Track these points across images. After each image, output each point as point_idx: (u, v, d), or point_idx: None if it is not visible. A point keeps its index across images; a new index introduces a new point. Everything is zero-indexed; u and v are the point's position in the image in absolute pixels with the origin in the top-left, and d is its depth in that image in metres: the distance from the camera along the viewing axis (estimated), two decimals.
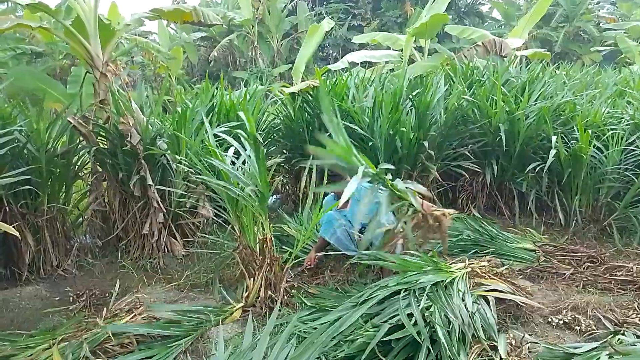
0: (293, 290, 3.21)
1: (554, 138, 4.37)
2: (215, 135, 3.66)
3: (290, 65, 13.87)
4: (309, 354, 2.27)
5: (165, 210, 4.09)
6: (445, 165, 4.99)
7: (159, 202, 4.03)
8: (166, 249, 4.14)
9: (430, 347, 2.29)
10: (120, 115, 4.07)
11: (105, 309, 3.03)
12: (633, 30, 16.06)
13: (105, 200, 4.33)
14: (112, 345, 2.61)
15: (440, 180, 4.85)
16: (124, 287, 3.56)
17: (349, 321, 2.55)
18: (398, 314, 2.46)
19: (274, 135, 5.66)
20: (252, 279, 3.08)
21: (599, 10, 21.38)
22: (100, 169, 4.29)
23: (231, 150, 3.11)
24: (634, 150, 4.27)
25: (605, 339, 2.47)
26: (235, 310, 2.98)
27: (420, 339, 2.28)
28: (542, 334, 2.71)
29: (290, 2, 20.25)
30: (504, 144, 4.63)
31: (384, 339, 2.33)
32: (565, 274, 3.44)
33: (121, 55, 13.41)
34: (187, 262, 4.06)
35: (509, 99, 4.83)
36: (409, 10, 19.28)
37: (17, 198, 3.71)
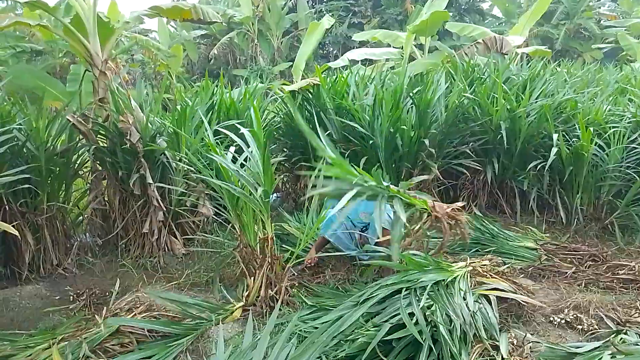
0: (293, 290, 3.20)
1: (555, 136, 4.36)
2: (216, 133, 3.65)
3: (291, 63, 13.84)
4: (310, 354, 2.27)
5: (165, 209, 4.08)
6: (446, 164, 4.97)
7: (159, 200, 4.02)
8: (166, 248, 4.13)
9: (432, 347, 2.28)
10: (120, 113, 4.06)
11: (105, 308, 3.02)
12: (634, 27, 16.01)
13: (105, 199, 4.32)
14: (112, 345, 2.60)
15: (441, 178, 4.83)
16: (124, 286, 3.55)
17: (349, 320, 2.53)
18: (399, 313, 2.45)
19: (274, 133, 5.64)
20: (252, 278, 3.07)
21: (599, 8, 21.34)
22: (99, 168, 4.28)
23: (232, 149, 3.10)
24: (635, 148, 4.26)
25: (608, 339, 2.46)
26: (236, 309, 2.97)
27: (422, 338, 2.27)
28: (544, 334, 2.69)
29: (291, 0, 20.21)
30: (505, 142, 4.62)
31: (385, 338, 2.32)
32: (567, 272, 3.43)
33: (121, 53, 13.38)
34: (187, 261, 4.04)
35: (510, 97, 4.81)
36: (410, 8, 19.23)
37: (17, 197, 3.70)
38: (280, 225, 4.22)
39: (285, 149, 5.58)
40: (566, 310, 2.88)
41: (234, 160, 3.09)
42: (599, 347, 2.39)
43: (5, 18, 3.91)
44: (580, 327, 2.71)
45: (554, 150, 4.27)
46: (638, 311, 2.82)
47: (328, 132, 4.86)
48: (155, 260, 3.99)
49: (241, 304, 3.02)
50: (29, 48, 11.26)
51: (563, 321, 2.78)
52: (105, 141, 4.21)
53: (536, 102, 4.79)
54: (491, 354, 2.40)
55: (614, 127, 4.33)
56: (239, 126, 3.38)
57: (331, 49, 22.11)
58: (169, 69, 13.86)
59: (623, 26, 16.61)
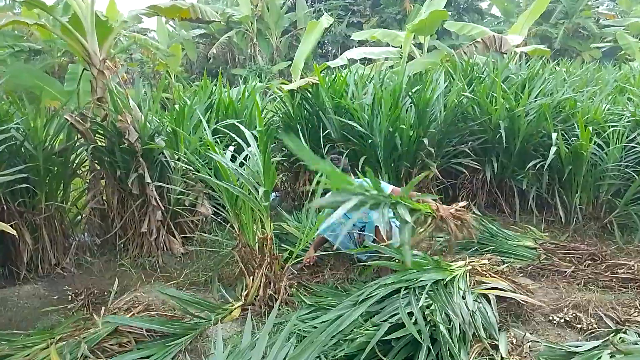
0: (292, 289, 3.19)
1: (554, 135, 4.36)
2: (215, 132, 3.64)
3: (290, 62, 13.82)
4: (309, 353, 2.26)
5: (163, 208, 4.08)
6: (445, 163, 4.97)
7: (158, 200, 4.01)
8: (165, 247, 4.12)
9: (431, 346, 2.27)
10: (118, 112, 4.05)
11: (103, 307, 3.02)
12: (633, 26, 16.01)
13: (104, 198, 4.31)
14: (111, 345, 2.60)
15: (440, 177, 4.83)
16: (123, 286, 3.55)
17: (348, 320, 2.53)
18: (398, 313, 2.44)
19: (274, 132, 5.62)
20: (251, 278, 3.06)
21: (598, 7, 21.33)
22: (98, 167, 4.27)
23: (231, 148, 3.09)
24: (634, 147, 4.25)
25: (607, 338, 2.45)
26: (235, 308, 2.97)
27: (421, 338, 2.26)
28: (543, 333, 2.69)
29: None
30: (504, 141, 4.61)
31: (384, 338, 2.32)
32: (566, 271, 3.43)
33: (120, 53, 13.38)
34: (186, 261, 4.04)
35: (509, 96, 4.80)
36: (408, 7, 19.22)
37: (15, 196, 3.69)
38: (279, 225, 4.21)
39: (284, 148, 5.57)
40: (565, 310, 2.87)
41: (233, 159, 3.09)
42: (598, 346, 2.38)
43: (3, 17, 3.90)
44: (579, 326, 2.71)
45: (553, 149, 4.27)
46: (637, 310, 2.82)
47: (327, 131, 4.85)
48: (153, 260, 3.98)
49: (240, 303, 3.02)
50: (27, 47, 11.24)
51: (562, 320, 2.77)
52: (103, 140, 4.20)
53: (535, 101, 4.78)
54: (490, 353, 2.39)
55: (613, 126, 4.32)
56: (239, 125, 3.38)
57: (330, 48, 22.09)
58: (168, 68, 13.85)
59: (622, 25, 16.61)
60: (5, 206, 3.62)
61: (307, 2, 21.28)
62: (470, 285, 2.80)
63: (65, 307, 3.30)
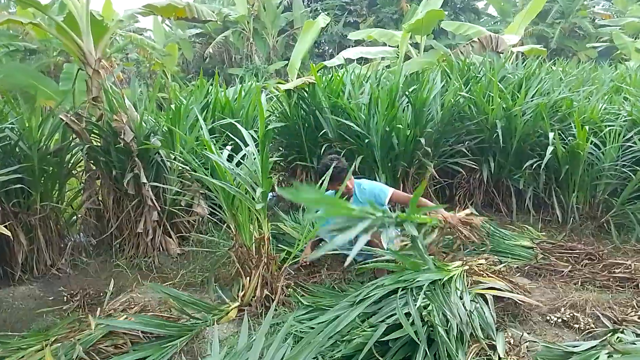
0: (289, 289, 3.18)
1: (551, 135, 4.36)
2: (211, 132, 3.63)
3: (286, 61, 13.82)
4: (306, 354, 2.25)
5: (159, 209, 4.06)
6: (442, 162, 4.96)
7: (154, 200, 3.99)
8: (161, 248, 4.10)
9: (428, 347, 2.26)
10: (114, 112, 4.02)
11: (99, 308, 3.00)
12: (629, 26, 16.07)
13: (99, 199, 4.29)
14: (106, 346, 2.58)
15: (437, 177, 4.82)
16: (119, 287, 3.53)
17: (345, 321, 2.52)
18: (395, 313, 2.44)
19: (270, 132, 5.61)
20: (248, 278, 3.05)
21: (594, 7, 21.41)
22: (93, 167, 4.24)
23: (229, 147, 3.08)
24: (631, 146, 4.26)
25: (604, 337, 2.45)
26: (231, 309, 2.95)
27: (418, 338, 2.25)
28: (540, 333, 2.69)
29: None
30: (501, 141, 4.61)
31: (382, 338, 2.31)
32: (563, 271, 3.43)
33: (116, 52, 13.34)
34: (182, 261, 4.02)
35: (505, 96, 4.80)
36: (405, 7, 19.22)
37: (9, 197, 3.66)
38: (276, 225, 4.19)
39: (281, 148, 5.56)
40: (563, 309, 2.87)
41: (230, 159, 3.07)
42: (595, 346, 2.38)
43: None
44: (576, 326, 2.71)
45: (550, 148, 4.26)
46: (634, 310, 2.81)
47: (324, 130, 4.84)
48: (149, 260, 3.96)
49: (236, 304, 3.00)
50: (22, 47, 11.20)
51: (560, 320, 2.77)
52: (99, 140, 4.18)
53: (532, 100, 4.78)
54: (488, 353, 2.39)
55: (609, 125, 4.33)
56: (237, 124, 3.36)
57: (327, 47, 22.06)
58: (164, 67, 13.80)
59: (617, 25, 16.66)
60: None
61: (303, 1, 21.24)
62: (467, 285, 2.80)
63: (61, 308, 3.28)
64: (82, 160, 4.25)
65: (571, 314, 2.79)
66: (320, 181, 3.04)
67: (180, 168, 4.14)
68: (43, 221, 3.88)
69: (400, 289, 2.62)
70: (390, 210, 3.63)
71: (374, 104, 4.52)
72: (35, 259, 3.81)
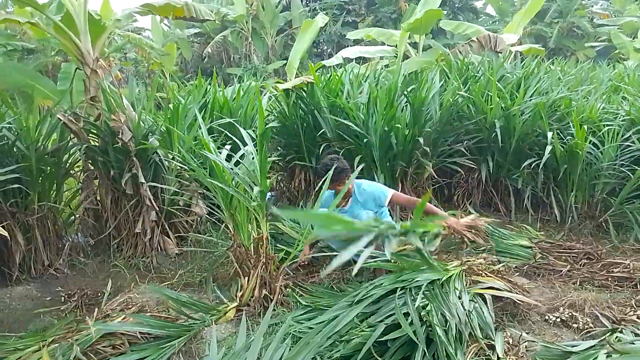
0: (288, 289, 3.17)
1: (549, 134, 4.35)
2: (209, 131, 3.62)
3: (285, 61, 13.79)
4: (304, 355, 2.24)
5: (158, 209, 4.04)
6: (440, 162, 4.96)
7: (152, 200, 3.98)
8: (159, 248, 4.10)
9: (426, 347, 2.26)
10: (112, 112, 4.01)
11: (97, 309, 2.99)
12: (627, 25, 16.07)
13: (97, 199, 4.28)
14: (104, 347, 2.57)
15: (436, 176, 4.83)
16: (116, 287, 3.52)
17: (344, 321, 2.51)
18: (394, 313, 2.43)
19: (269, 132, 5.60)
20: (246, 278, 3.04)
21: (592, 6, 21.42)
22: (91, 167, 4.23)
23: (228, 147, 3.07)
24: (629, 146, 4.26)
25: (603, 337, 2.44)
26: (229, 309, 2.94)
27: (417, 338, 2.25)
28: (539, 332, 2.68)
29: None
30: (500, 140, 4.61)
31: (380, 338, 2.30)
32: (561, 270, 3.43)
33: (114, 52, 13.31)
34: (180, 261, 4.01)
35: (504, 95, 4.80)
36: (404, 6, 19.23)
37: (7, 197, 3.65)
38: (274, 225, 4.18)
39: (279, 148, 5.55)
40: (561, 309, 2.87)
41: (228, 158, 3.06)
42: (594, 345, 2.37)
43: None
44: (575, 325, 2.70)
45: (549, 148, 4.26)
46: (633, 309, 2.81)
47: (322, 130, 4.84)
48: (147, 261, 3.95)
49: (235, 304, 2.99)
50: (20, 46, 11.17)
51: (558, 320, 2.77)
52: (96, 140, 4.17)
53: (530, 100, 4.78)
54: (487, 353, 2.38)
55: (608, 125, 4.32)
56: (235, 124, 3.36)
57: (325, 47, 22.07)
58: (163, 67, 13.79)
59: (616, 25, 16.66)
60: None
61: (302, 1, 21.24)
62: (466, 285, 2.79)
63: (58, 309, 3.27)
64: (79, 160, 4.24)
65: (570, 314, 2.79)
66: (321, 182, 3.03)
67: (178, 168, 4.13)
68: (41, 221, 3.87)
69: (399, 289, 2.62)
70: (389, 211, 3.63)
71: (373, 103, 4.52)
72: (33, 259, 3.80)
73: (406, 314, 2.41)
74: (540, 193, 4.68)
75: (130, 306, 3.02)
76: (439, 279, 2.72)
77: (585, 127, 4.20)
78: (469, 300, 2.63)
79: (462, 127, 4.95)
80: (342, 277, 3.45)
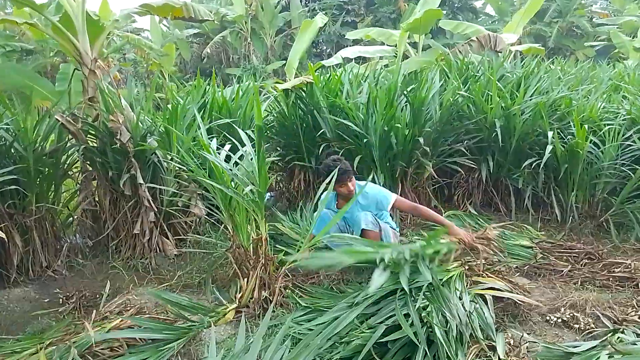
0: (287, 291, 3.15)
1: (550, 134, 4.34)
2: (208, 132, 3.60)
3: (284, 61, 13.79)
4: (304, 356, 2.23)
5: (156, 209, 4.03)
6: (440, 162, 4.94)
7: (150, 201, 3.96)
8: (158, 249, 4.07)
9: (427, 349, 2.24)
10: (110, 112, 3.99)
11: (95, 310, 2.96)
12: (626, 25, 16.07)
13: (96, 200, 4.26)
14: (102, 349, 2.54)
15: (436, 176, 4.81)
16: (115, 288, 3.49)
17: (344, 322, 2.49)
18: (394, 314, 2.41)
19: (267, 132, 5.59)
20: (245, 279, 3.02)
21: (592, 6, 21.45)
22: (89, 168, 4.21)
23: (227, 147, 3.05)
24: (630, 145, 4.24)
25: (605, 338, 2.43)
26: (228, 311, 2.92)
27: (417, 339, 2.23)
28: (540, 333, 2.66)
29: None
30: (500, 140, 4.59)
31: (381, 340, 2.28)
32: (562, 271, 3.40)
33: (113, 52, 13.30)
34: (179, 262, 3.99)
35: (504, 95, 4.78)
36: (403, 6, 19.23)
37: (4, 198, 3.63)
38: (273, 225, 4.17)
39: (278, 148, 5.53)
40: (562, 309, 2.85)
41: (227, 159, 3.05)
42: (596, 346, 2.36)
43: None
44: (576, 326, 2.68)
45: (549, 147, 4.24)
46: (635, 309, 2.79)
47: (322, 130, 4.82)
48: (146, 262, 3.93)
49: (234, 305, 2.97)
50: (19, 47, 11.16)
51: (560, 320, 2.75)
52: (95, 141, 4.15)
53: (531, 99, 4.76)
54: (488, 354, 2.37)
55: (608, 124, 4.31)
56: (234, 125, 3.34)
57: (325, 47, 22.07)
58: (162, 68, 13.79)
59: (615, 24, 16.66)
60: None
61: (301, 1, 21.26)
62: (466, 286, 2.77)
63: (56, 311, 3.25)
64: (78, 161, 4.22)
65: (571, 314, 2.77)
66: (322, 182, 3.01)
67: (177, 168, 4.11)
68: (39, 222, 3.84)
69: (400, 290, 2.60)
70: (390, 216, 3.62)
71: (372, 103, 4.50)
72: (31, 261, 3.77)
73: (407, 315, 2.39)
74: (540, 193, 4.67)
75: (128, 308, 3.00)
76: (439, 280, 2.70)
77: (586, 126, 4.19)
78: (470, 300, 2.61)
79: (462, 126, 4.93)
80: (342, 278, 3.43)
